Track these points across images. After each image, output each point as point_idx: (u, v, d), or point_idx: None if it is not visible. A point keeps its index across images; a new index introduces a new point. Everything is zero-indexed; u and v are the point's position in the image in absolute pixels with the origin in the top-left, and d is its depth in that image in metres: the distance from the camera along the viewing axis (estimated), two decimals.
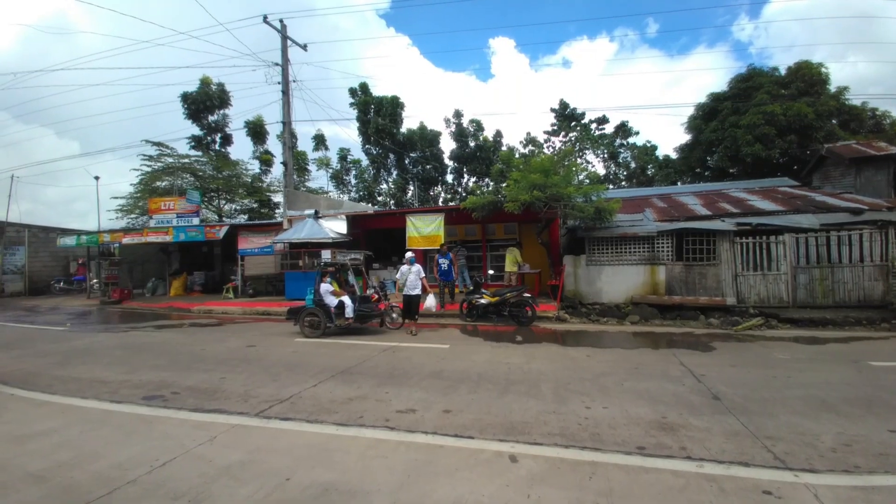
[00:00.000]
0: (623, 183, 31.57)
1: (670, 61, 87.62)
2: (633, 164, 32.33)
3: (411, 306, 9.35)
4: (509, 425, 4.23)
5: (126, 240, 18.58)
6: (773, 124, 20.62)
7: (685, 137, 26.88)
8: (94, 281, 20.31)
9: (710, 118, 24.18)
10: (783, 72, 23.28)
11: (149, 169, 23.65)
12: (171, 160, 24.11)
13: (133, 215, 23.86)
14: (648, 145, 32.25)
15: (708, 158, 25.25)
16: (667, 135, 69.66)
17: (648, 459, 3.49)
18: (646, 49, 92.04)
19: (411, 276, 9.27)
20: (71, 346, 9.08)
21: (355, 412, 4.67)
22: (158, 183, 23.65)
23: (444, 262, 11.65)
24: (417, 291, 9.38)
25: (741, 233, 10.67)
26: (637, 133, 32.97)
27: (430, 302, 9.75)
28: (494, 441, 3.89)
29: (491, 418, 4.43)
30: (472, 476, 3.27)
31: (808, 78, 21.88)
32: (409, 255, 9.67)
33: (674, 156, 29.32)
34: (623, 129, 32.74)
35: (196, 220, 18.52)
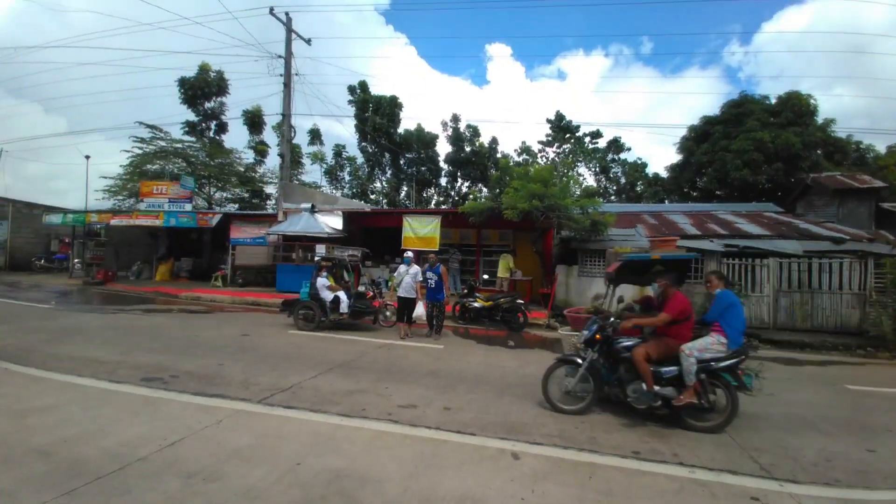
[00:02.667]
0: (612, 197, 32.14)
1: (663, 81, 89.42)
2: (623, 180, 32.99)
3: (407, 309, 8.98)
4: (509, 425, 4.37)
5: (115, 221, 18.31)
6: (762, 151, 21.33)
7: (675, 157, 27.65)
8: (77, 260, 19.89)
9: (701, 140, 24.88)
10: (773, 100, 24.11)
11: (140, 151, 23.27)
12: (163, 143, 23.77)
13: (120, 197, 23.41)
14: (639, 162, 32.99)
15: (697, 179, 25.95)
16: (657, 153, 70.96)
17: (644, 463, 3.66)
18: (640, 67, 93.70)
19: (408, 277, 8.98)
20: (59, 324, 8.94)
21: (357, 404, 4.75)
22: (149, 166, 23.27)
23: (431, 278, 9.07)
24: (414, 295, 8.96)
25: (728, 254, 11.04)
26: (629, 149, 33.70)
27: (420, 311, 9.11)
28: (496, 439, 4.02)
29: (491, 417, 4.56)
30: (477, 470, 3.40)
31: (796, 108, 22.69)
32: (408, 254, 9.51)
33: (663, 174, 30.07)
34: (616, 145, 33.38)
35: (189, 207, 18.33)
